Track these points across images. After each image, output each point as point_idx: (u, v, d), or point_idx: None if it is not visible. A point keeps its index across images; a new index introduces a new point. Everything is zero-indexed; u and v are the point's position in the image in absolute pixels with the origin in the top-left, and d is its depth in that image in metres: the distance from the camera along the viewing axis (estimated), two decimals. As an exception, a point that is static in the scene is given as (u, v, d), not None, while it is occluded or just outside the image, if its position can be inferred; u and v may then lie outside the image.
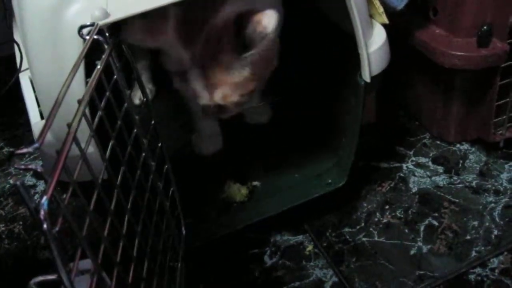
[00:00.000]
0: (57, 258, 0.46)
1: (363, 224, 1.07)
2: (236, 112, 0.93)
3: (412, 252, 1.00)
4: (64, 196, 0.51)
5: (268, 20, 0.81)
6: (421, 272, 0.96)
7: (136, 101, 1.17)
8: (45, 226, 0.44)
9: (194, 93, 0.90)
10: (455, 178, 1.15)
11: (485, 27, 1.03)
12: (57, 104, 0.53)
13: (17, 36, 1.06)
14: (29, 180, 1.22)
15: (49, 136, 0.56)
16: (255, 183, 1.11)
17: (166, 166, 0.87)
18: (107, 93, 0.66)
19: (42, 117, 0.84)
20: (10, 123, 1.44)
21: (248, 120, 1.22)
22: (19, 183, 0.44)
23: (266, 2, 0.85)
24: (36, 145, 0.48)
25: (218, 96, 0.88)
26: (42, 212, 0.44)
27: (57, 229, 0.46)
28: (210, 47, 0.85)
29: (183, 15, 0.85)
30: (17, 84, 1.02)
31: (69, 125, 0.53)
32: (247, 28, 0.82)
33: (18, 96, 1.00)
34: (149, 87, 1.33)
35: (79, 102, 0.57)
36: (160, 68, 1.04)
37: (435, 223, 1.05)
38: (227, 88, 0.87)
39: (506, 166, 1.17)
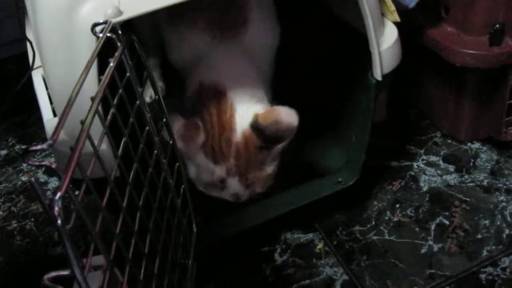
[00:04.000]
0: (71, 254, 0.47)
1: (373, 223, 1.06)
2: None
3: (423, 251, 1.00)
4: (77, 192, 0.51)
5: (287, 118, 0.86)
6: (432, 271, 0.96)
7: (147, 99, 1.17)
8: (59, 222, 0.44)
9: (233, 196, 0.93)
10: (466, 177, 1.15)
11: (497, 26, 1.02)
12: (70, 101, 0.53)
13: (29, 34, 1.07)
14: (41, 177, 1.23)
15: (61, 134, 0.56)
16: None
17: (178, 164, 0.88)
18: (120, 91, 0.66)
19: (54, 115, 0.85)
20: (21, 121, 1.45)
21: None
22: (33, 179, 0.44)
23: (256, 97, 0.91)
24: (50, 141, 0.48)
25: (254, 193, 0.93)
26: (56, 208, 0.44)
27: (70, 225, 0.47)
28: (242, 158, 0.89)
29: (206, 138, 0.89)
30: (28, 83, 1.02)
31: (82, 122, 0.53)
32: (266, 130, 0.87)
33: (28, 95, 1.01)
34: (159, 85, 1.33)
35: (93, 99, 0.57)
36: (169, 67, 1.04)
37: (446, 222, 1.05)
38: (261, 183, 0.92)
39: (518, 165, 1.17)
